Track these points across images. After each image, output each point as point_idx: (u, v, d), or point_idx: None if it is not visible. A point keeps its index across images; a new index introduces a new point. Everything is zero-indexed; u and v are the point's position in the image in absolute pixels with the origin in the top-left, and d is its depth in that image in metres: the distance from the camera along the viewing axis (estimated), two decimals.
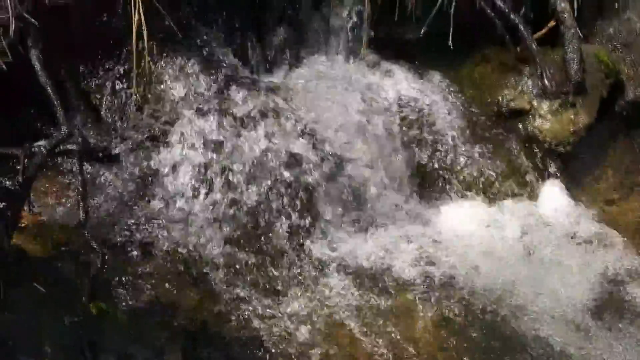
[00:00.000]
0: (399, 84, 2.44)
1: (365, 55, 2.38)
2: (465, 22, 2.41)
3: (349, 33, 2.39)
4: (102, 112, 2.13)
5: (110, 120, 2.12)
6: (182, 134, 2.02)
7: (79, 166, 1.99)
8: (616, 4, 2.70)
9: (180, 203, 1.96)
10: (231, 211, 1.96)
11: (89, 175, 2.02)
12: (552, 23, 2.41)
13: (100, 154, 2.05)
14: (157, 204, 1.97)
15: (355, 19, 2.34)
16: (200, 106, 2.07)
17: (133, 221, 1.94)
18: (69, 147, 2.01)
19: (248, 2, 2.29)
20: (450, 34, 2.31)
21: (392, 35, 2.50)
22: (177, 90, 2.10)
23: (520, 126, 2.45)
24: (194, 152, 1.98)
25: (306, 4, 2.35)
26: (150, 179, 2.00)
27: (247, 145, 2.03)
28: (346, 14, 2.35)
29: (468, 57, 2.57)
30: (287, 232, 2.02)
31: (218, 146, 2.00)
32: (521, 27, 2.33)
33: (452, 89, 2.53)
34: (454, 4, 2.27)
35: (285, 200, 2.04)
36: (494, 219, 2.25)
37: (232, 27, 2.35)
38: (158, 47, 2.14)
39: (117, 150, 2.03)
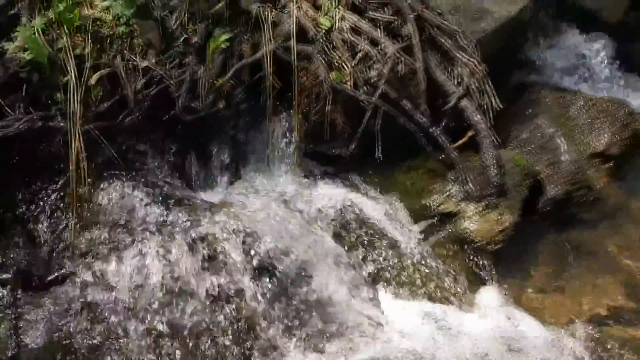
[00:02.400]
0: (334, 194, 2.50)
1: (300, 170, 2.45)
2: (393, 134, 2.57)
3: (285, 149, 2.46)
4: (38, 240, 2.09)
5: (46, 247, 2.07)
6: (120, 261, 1.97)
7: (11, 297, 1.91)
8: (528, 111, 2.93)
9: (116, 335, 1.88)
10: (170, 341, 1.89)
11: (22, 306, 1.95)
12: (470, 133, 2.56)
13: (35, 283, 1.99)
14: (93, 337, 1.88)
15: (289, 137, 2.43)
16: (140, 231, 2.05)
17: (68, 355, 1.85)
18: (2, 276, 1.95)
19: (188, 123, 2.36)
20: (378, 147, 2.45)
21: (326, 149, 2.60)
22: (116, 215, 2.09)
23: (451, 228, 2.52)
24: (129, 280, 1.93)
25: (244, 124, 2.44)
26: (86, 309, 1.92)
27: (186, 266, 2.00)
28: (281, 132, 2.45)
29: (399, 165, 2.67)
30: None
31: (157, 272, 1.95)
32: (440, 139, 2.45)
33: (386, 196, 2.60)
34: (379, 122, 2.41)
35: (226, 318, 2.00)
36: (431, 321, 2.25)
37: (173, 148, 2.40)
38: (97, 173, 2.17)
39: (52, 279, 1.97)
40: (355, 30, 2.40)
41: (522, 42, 3.09)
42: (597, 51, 3.45)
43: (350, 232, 2.41)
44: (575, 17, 3.50)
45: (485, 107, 2.60)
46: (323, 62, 2.30)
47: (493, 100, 2.60)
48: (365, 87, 2.41)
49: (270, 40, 2.23)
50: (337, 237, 2.36)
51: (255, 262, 2.12)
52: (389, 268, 2.39)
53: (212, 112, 2.22)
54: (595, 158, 2.85)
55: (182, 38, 2.12)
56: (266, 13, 2.25)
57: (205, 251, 2.03)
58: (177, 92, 2.14)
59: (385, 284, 2.35)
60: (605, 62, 3.37)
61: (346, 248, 2.37)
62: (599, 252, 2.60)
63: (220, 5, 2.22)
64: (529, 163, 2.68)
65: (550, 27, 3.46)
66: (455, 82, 2.54)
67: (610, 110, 2.91)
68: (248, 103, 2.37)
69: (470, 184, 2.44)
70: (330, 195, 2.51)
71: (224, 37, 2.11)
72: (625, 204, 2.84)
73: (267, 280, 2.12)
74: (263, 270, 2.08)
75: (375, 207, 2.55)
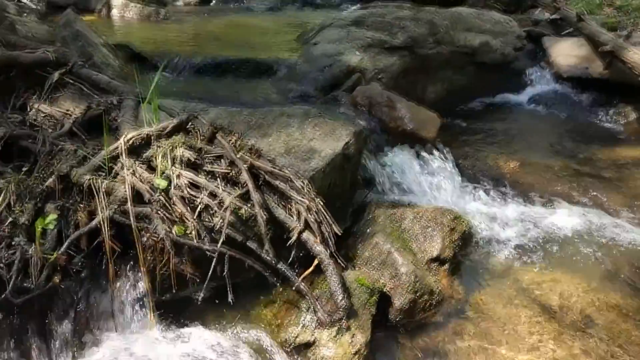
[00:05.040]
0: (193, 346, 2.43)
1: (153, 328, 2.38)
2: (246, 272, 2.62)
3: (133, 310, 2.39)
4: None
5: None
6: None
7: None
8: (368, 230, 3.16)
9: None
10: None
11: None
12: (316, 262, 2.69)
13: None
14: None
15: (137, 296, 2.38)
16: None
17: None
18: None
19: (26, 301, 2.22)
20: (230, 292, 2.47)
21: (181, 297, 2.58)
22: None
23: (311, 357, 2.55)
24: None
25: (87, 291, 2.34)
26: None
27: None
28: (128, 292, 2.39)
29: (257, 301, 2.69)
30: None
31: None
32: (287, 273, 2.55)
33: (248, 334, 2.59)
34: (226, 266, 2.46)
35: None
36: None
37: (11, 329, 2.22)
38: None
39: None
40: (194, 184, 2.51)
41: (356, 167, 3.41)
42: (424, 164, 3.92)
43: None
44: (401, 137, 3.98)
45: (326, 234, 2.79)
46: (163, 219, 2.35)
47: (332, 228, 2.79)
48: (210, 236, 2.48)
49: (106, 207, 2.25)
50: None
51: None
52: None
53: (49, 288, 2.13)
54: (432, 263, 3.12)
55: (9, 220, 2.07)
56: (98, 182, 2.29)
57: None
58: (7, 274, 2.03)
59: None
60: (426, 173, 3.82)
61: None
62: (448, 354, 2.77)
63: (50, 181, 2.23)
64: (374, 280, 2.86)
65: (382, 148, 3.89)
66: (295, 218, 2.71)
67: (437, 218, 3.23)
68: (89, 269, 2.30)
69: (319, 313, 2.52)
70: (189, 348, 2.44)
71: (52, 217, 2.09)
72: (466, 300, 3.09)
73: None
74: None
75: (240, 348, 2.52)
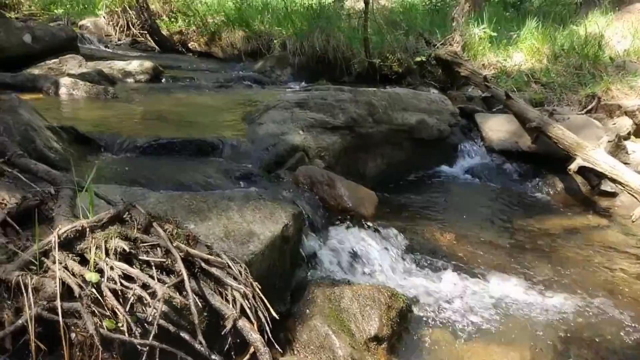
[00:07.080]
0: None
1: None
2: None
3: None
4: None
5: None
6: None
7: None
8: (306, 312, 3.18)
9: None
10: None
11: None
12: (251, 349, 2.69)
13: None
14: None
15: None
16: None
17: None
18: None
19: None
20: None
21: None
22: None
23: None
24: None
25: None
26: None
27: None
28: None
29: None
30: None
31: None
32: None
33: None
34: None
35: None
36: None
37: None
38: None
39: None
40: (127, 276, 2.51)
41: (295, 248, 3.48)
42: (363, 240, 4.03)
43: None
44: (341, 215, 4.11)
45: (263, 320, 2.81)
46: (93, 314, 2.32)
47: (270, 313, 2.81)
48: (143, 327, 2.45)
49: (33, 304, 2.21)
50: None
51: None
52: None
53: None
54: (371, 342, 3.16)
55: None
56: (27, 279, 2.27)
57: None
58: None
59: None
60: (365, 249, 3.92)
61: None
62: None
63: None
64: None
65: (321, 227, 3.99)
66: (231, 305, 2.73)
67: (375, 296, 3.31)
68: None
69: None
70: None
71: None
72: None
73: None
74: None
75: None
